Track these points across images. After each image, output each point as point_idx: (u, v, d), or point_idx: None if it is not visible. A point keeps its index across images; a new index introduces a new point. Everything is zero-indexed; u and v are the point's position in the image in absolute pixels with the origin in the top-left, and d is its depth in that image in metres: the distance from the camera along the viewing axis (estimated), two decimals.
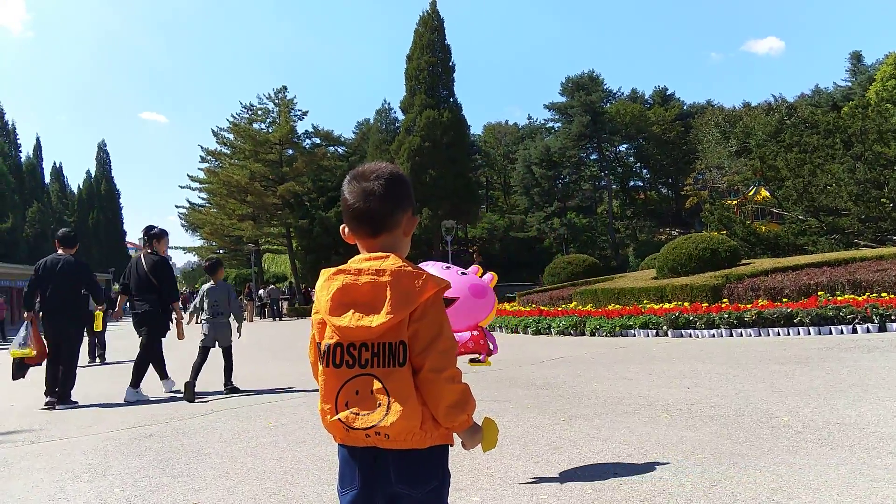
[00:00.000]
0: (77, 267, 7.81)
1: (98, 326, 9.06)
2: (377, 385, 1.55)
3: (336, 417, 1.58)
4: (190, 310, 8.94)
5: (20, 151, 64.16)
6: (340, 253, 35.83)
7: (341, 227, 1.75)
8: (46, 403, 7.36)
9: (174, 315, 8.09)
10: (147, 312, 7.88)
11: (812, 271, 12.17)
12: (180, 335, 8.10)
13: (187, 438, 5.27)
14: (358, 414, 1.56)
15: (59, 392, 7.47)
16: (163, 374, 8.15)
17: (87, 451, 5.01)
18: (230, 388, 7.80)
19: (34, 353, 7.65)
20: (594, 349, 10.05)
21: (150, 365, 7.97)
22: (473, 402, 1.64)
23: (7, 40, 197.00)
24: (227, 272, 63.12)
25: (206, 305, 8.04)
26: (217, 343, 7.99)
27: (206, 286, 8.31)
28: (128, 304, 8.34)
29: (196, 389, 7.45)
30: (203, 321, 8.10)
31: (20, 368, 7.71)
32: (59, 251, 7.88)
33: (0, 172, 53.27)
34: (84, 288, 7.94)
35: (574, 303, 15.41)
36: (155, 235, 8.24)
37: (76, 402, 7.56)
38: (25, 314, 7.80)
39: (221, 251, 49.12)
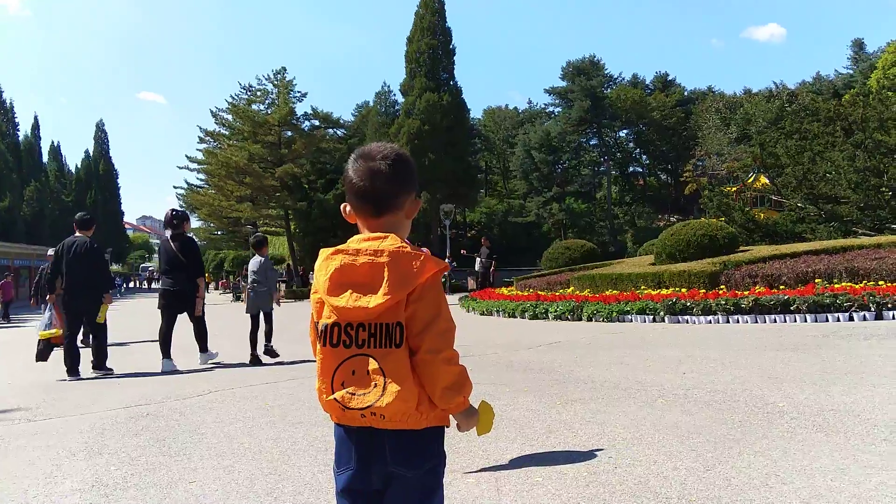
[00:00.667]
0: (90, 248, 8.24)
1: (101, 319, 8.54)
2: (374, 365, 1.55)
3: (332, 397, 1.59)
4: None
5: (18, 130, 63.95)
6: (338, 236, 35.75)
7: (342, 206, 1.74)
8: (70, 377, 7.82)
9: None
10: (180, 292, 8.65)
11: (810, 259, 12.17)
12: (198, 310, 8.74)
13: (184, 418, 5.28)
14: (354, 394, 1.56)
15: (95, 361, 8.12)
16: (167, 353, 8.42)
17: (84, 430, 5.02)
18: (268, 349, 8.90)
19: (59, 332, 8.27)
20: (591, 334, 10.06)
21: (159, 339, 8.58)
22: (470, 384, 1.65)
23: (3, 18, 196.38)
24: (225, 253, 63.41)
25: (251, 278, 9.32)
26: (260, 309, 9.10)
27: (252, 261, 9.44)
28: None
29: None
30: (248, 291, 9.30)
31: (47, 349, 8.34)
32: (77, 234, 8.39)
33: None
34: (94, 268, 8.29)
35: (571, 288, 15.41)
36: (180, 217, 8.97)
37: (111, 370, 8.15)
38: (48, 297, 8.70)
39: (220, 232, 49.16)
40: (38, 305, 9.35)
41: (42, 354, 8.35)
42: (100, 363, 8.16)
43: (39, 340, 8.40)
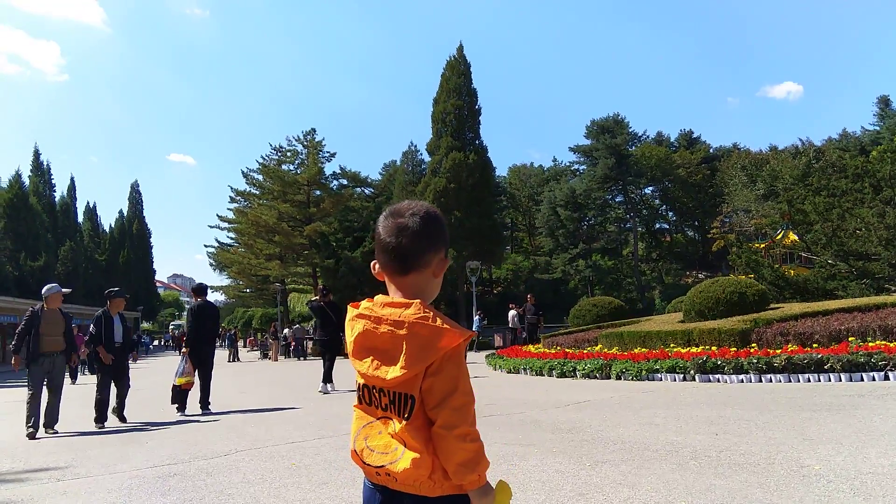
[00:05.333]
0: (213, 308, 11.33)
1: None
2: (393, 429, 1.58)
3: (353, 448, 1.64)
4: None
5: (54, 191, 65.32)
6: (366, 293, 35.45)
7: (372, 263, 1.74)
8: (179, 414, 9.99)
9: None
10: (331, 340, 13.23)
11: (842, 316, 11.95)
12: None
13: (211, 478, 5.26)
14: (373, 451, 1.60)
15: (202, 401, 10.32)
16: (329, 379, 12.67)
17: (112, 490, 5.02)
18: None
19: (192, 380, 10.31)
20: (620, 393, 9.93)
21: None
22: (486, 461, 1.60)
23: (42, 83, 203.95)
24: (254, 311, 63.75)
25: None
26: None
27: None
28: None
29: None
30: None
31: (180, 394, 10.20)
32: (198, 299, 11.01)
33: (34, 212, 54.29)
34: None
35: (599, 345, 15.26)
36: (328, 291, 14.21)
37: (210, 409, 10.22)
38: (184, 349, 10.70)
39: (248, 290, 49.47)
40: (24, 366, 8.68)
41: (177, 398, 10.18)
42: (206, 402, 10.34)
43: (174, 386, 10.29)
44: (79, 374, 22.29)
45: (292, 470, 5.41)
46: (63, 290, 9.29)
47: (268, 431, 7.75)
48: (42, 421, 8.55)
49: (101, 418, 9.12)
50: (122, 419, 9.51)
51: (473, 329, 27.99)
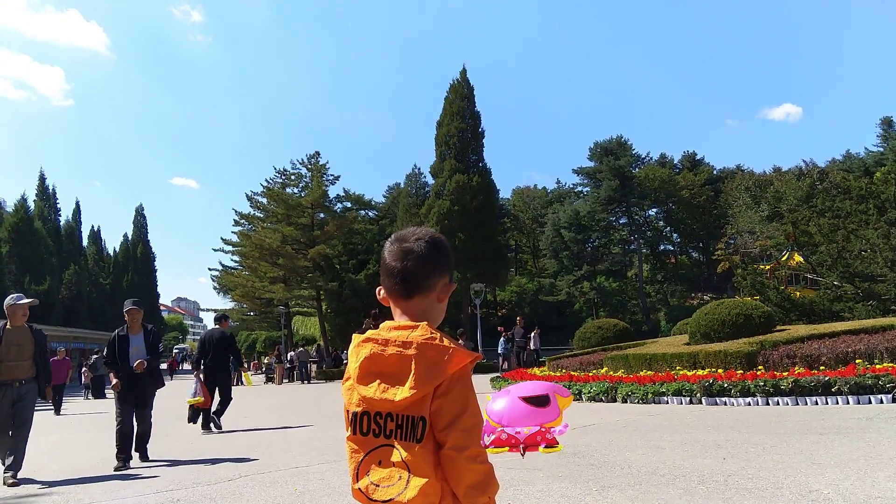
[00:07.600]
0: (229, 338, 11.77)
1: (248, 383, 13.71)
2: (398, 457, 1.53)
3: (356, 486, 1.57)
4: None
5: (59, 216, 65.47)
6: (369, 316, 35.78)
7: (377, 289, 1.74)
8: (203, 431, 10.80)
9: None
10: None
11: (849, 338, 11.88)
12: None
13: None
14: (378, 485, 1.54)
15: (217, 412, 11.10)
16: None
17: None
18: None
19: (203, 399, 10.75)
20: (626, 416, 9.86)
21: None
22: (496, 484, 1.59)
23: (47, 108, 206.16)
24: (257, 334, 63.59)
25: None
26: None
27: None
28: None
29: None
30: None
31: (195, 413, 11.18)
32: (216, 326, 12.08)
33: (39, 236, 54.41)
34: (230, 353, 11.65)
35: (605, 368, 15.18)
36: (375, 315, 12.17)
37: (221, 427, 10.96)
38: (195, 372, 11.18)
39: (252, 313, 49.44)
40: None
41: (192, 418, 11.22)
42: (220, 415, 11.15)
43: (189, 406, 11.00)
44: (81, 399, 22.15)
45: (296, 496, 5.36)
46: (27, 300, 7.36)
47: (272, 456, 7.71)
48: (7, 463, 6.89)
49: (121, 453, 7.68)
50: (144, 457, 8.11)
51: (499, 353, 27.86)
